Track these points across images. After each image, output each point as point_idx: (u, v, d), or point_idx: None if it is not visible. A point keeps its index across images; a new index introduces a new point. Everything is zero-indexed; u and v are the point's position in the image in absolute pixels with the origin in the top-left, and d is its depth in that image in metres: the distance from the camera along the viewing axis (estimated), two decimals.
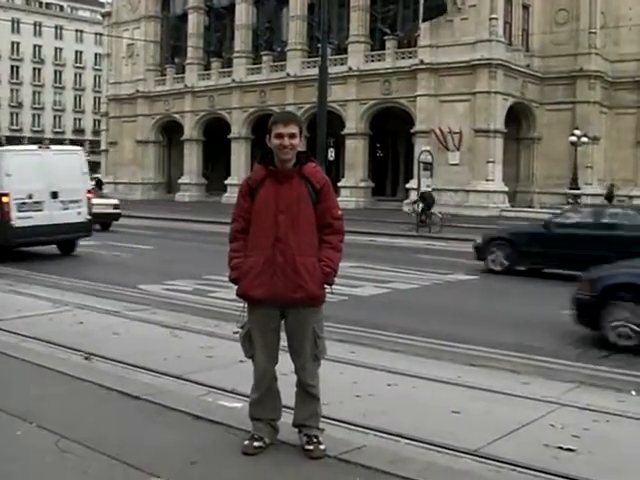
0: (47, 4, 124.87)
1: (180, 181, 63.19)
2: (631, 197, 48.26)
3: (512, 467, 5.33)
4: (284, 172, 5.17)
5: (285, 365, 5.32)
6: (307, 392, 5.23)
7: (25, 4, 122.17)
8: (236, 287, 5.26)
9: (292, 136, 5.13)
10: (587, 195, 46.35)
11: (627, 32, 50.73)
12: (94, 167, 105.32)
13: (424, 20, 47.61)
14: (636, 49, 51.20)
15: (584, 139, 44.64)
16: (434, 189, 35.29)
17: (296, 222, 5.11)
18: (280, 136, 5.12)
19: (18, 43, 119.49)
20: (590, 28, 48.73)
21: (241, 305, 5.33)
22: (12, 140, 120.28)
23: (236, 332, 5.51)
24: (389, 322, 11.35)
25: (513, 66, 47.37)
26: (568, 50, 49.27)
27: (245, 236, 5.25)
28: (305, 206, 5.14)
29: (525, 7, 50.34)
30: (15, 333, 9.67)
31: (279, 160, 5.17)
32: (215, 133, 61.07)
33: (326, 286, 5.21)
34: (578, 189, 43.46)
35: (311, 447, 5.14)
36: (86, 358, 8.36)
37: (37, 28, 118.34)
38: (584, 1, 48.81)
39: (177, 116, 63.66)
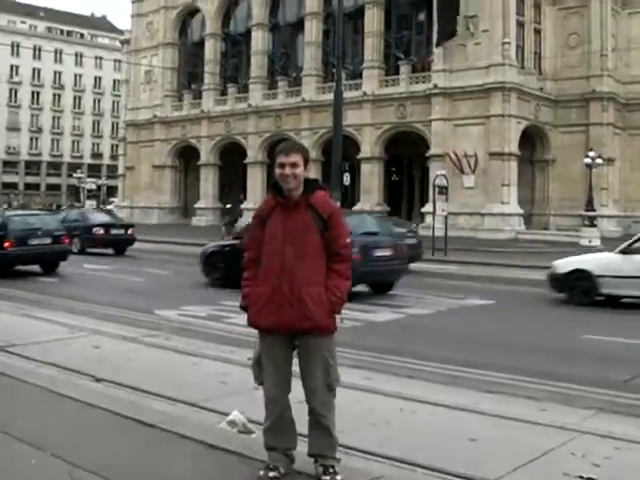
0: (68, 32, 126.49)
1: (196, 205, 63.40)
2: None
3: None
4: (291, 202, 5.18)
5: (302, 392, 5.25)
6: (319, 422, 5.18)
7: (47, 32, 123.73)
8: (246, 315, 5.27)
9: (294, 165, 5.13)
10: (603, 217, 46.14)
11: (638, 54, 50.66)
12: (111, 191, 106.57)
13: (438, 46, 47.81)
14: None
15: (598, 161, 44.47)
16: (450, 213, 35.19)
17: (303, 252, 5.11)
18: (282, 166, 5.15)
19: (39, 69, 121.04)
20: (602, 51, 48.82)
21: (256, 332, 5.31)
22: (31, 164, 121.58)
23: (250, 358, 5.50)
24: (404, 348, 11.26)
25: (526, 89, 47.41)
26: (580, 73, 49.32)
27: (257, 265, 5.26)
28: (312, 236, 5.14)
29: (537, 31, 50.46)
30: (30, 359, 9.65)
31: (285, 189, 5.18)
32: (231, 158, 61.32)
33: (336, 315, 5.17)
34: (594, 211, 43.25)
35: (327, 478, 5.07)
36: (97, 380, 8.35)
37: (58, 55, 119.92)
38: (595, 24, 48.88)
39: (194, 141, 64.03)
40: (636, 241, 17.56)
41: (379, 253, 18.27)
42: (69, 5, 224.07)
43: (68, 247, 24.33)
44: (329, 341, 5.22)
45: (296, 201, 5.18)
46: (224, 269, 20.03)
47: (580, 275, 17.38)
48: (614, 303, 16.75)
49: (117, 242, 32.37)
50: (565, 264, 18.13)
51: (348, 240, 5.34)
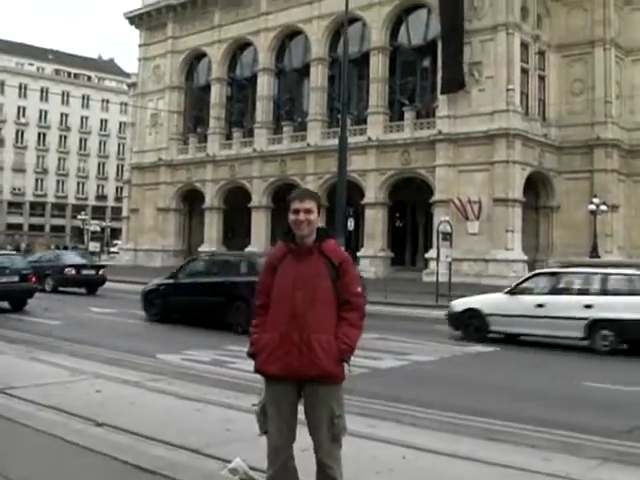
0: (75, 74, 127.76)
1: (200, 249, 63.35)
2: None
3: None
4: (303, 248, 5.20)
5: (307, 440, 5.23)
6: (326, 473, 5.13)
7: (55, 74, 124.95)
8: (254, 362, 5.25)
9: (308, 211, 5.16)
10: None
11: None
12: (115, 234, 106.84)
13: (442, 93, 48.19)
14: None
15: (603, 207, 44.57)
16: (454, 259, 35.18)
17: (314, 299, 5.10)
18: (296, 212, 5.16)
19: (46, 111, 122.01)
20: (606, 97, 49.11)
21: (262, 378, 5.29)
22: (36, 205, 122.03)
23: (255, 405, 5.47)
24: (408, 395, 11.21)
25: (530, 136, 47.64)
26: (584, 119, 49.57)
27: (266, 312, 5.25)
28: (323, 283, 5.14)
29: (541, 78, 50.83)
30: (31, 401, 9.54)
31: (297, 236, 5.20)
32: (236, 201, 61.48)
33: (344, 363, 5.15)
34: (598, 257, 43.18)
35: None
36: (98, 425, 8.29)
37: (65, 97, 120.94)
38: (599, 71, 49.24)
39: (198, 184, 64.26)
40: (521, 283, 19.41)
41: None
42: (77, 48, 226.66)
43: (34, 285, 25.83)
44: (337, 390, 5.19)
45: (308, 248, 5.20)
46: (161, 305, 21.74)
47: (472, 314, 19.08)
48: (612, 352, 16.81)
49: (88, 282, 34.75)
50: (460, 304, 19.89)
51: (359, 289, 5.33)
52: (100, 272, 35.67)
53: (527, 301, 18.32)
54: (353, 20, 49.79)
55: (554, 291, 18.45)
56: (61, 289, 33.56)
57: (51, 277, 33.54)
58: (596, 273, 18.34)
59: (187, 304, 21.56)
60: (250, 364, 5.34)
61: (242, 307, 18.69)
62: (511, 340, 18.75)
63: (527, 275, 21.37)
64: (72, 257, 38.01)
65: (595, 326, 17.13)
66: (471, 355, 16.61)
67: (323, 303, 5.12)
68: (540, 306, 17.94)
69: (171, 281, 22.40)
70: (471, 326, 19.00)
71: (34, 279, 25.73)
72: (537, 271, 21.86)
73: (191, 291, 21.59)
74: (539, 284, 19.10)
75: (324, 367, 5.03)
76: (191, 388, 11.10)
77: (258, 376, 5.35)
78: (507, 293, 18.99)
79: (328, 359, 5.04)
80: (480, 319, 18.76)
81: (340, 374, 5.15)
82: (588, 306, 17.36)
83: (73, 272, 34.25)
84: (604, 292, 17.65)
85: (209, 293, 20.80)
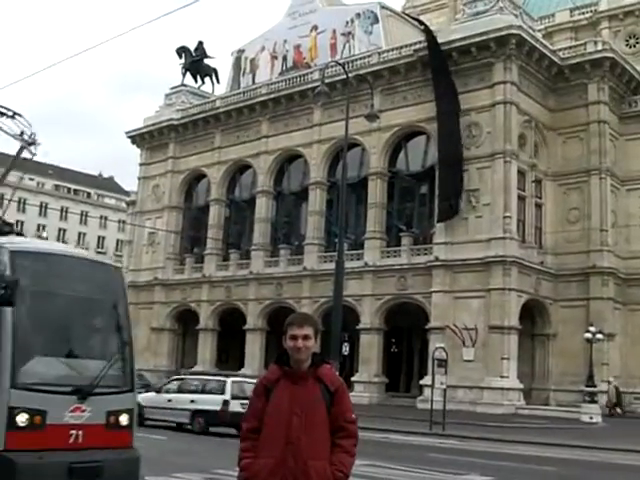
0: (75, 190, 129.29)
1: (192, 370, 62.71)
2: None
3: None
4: (299, 373, 5.15)
5: None
6: None
7: (54, 189, 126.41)
8: None
9: (306, 337, 5.13)
10: (604, 392, 45.58)
11: (637, 230, 51.44)
12: None
13: (439, 221, 48.68)
14: None
15: (599, 336, 44.39)
16: (448, 385, 34.79)
17: (309, 424, 5.03)
18: (294, 338, 5.13)
19: (44, 225, 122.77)
20: (602, 226, 49.63)
21: None
22: None
23: None
24: None
25: (527, 263, 47.84)
26: (580, 247, 49.92)
27: (256, 436, 5.15)
28: (319, 408, 5.08)
29: (538, 206, 51.46)
30: None
31: (294, 361, 5.17)
32: (230, 323, 61.24)
33: None
34: (595, 386, 42.80)
35: None
36: None
37: (64, 213, 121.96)
38: (595, 200, 49.93)
39: (193, 305, 64.03)
40: (164, 384, 29.37)
41: None
42: (78, 165, 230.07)
43: None
44: None
45: (304, 372, 5.16)
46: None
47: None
48: None
49: None
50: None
51: (354, 416, 5.27)
52: None
53: (164, 397, 27.44)
54: (353, 145, 50.47)
55: (179, 390, 27.88)
56: None
57: None
58: (198, 379, 28.88)
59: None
60: None
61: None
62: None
63: (170, 379, 31.32)
64: None
65: (194, 414, 26.18)
66: None
67: (318, 428, 5.06)
68: (169, 401, 27.08)
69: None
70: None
71: None
72: (173, 377, 32.00)
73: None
74: (172, 386, 28.62)
75: None
76: None
77: None
78: (155, 392, 28.18)
79: None
80: (140, 409, 22.75)
81: None
82: (192, 401, 26.49)
83: None
84: (202, 392, 27.00)
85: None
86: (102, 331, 11.02)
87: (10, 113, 11.90)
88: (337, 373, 5.41)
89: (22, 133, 11.96)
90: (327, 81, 42.37)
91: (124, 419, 10.04)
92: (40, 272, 10.01)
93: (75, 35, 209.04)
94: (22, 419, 8.87)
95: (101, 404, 9.71)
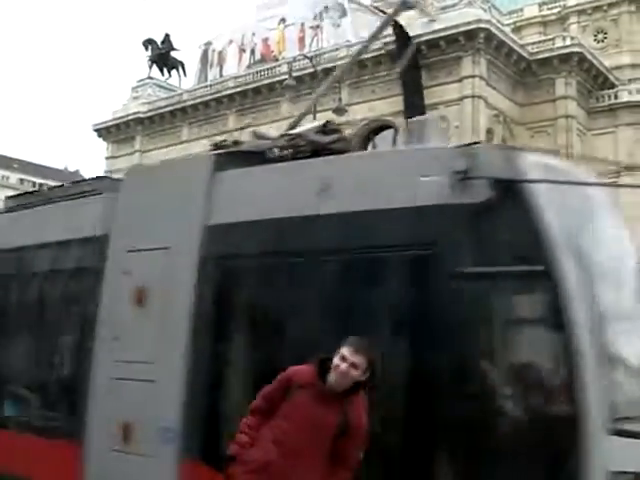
0: (40, 184, 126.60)
1: None
2: None
3: None
4: (328, 393, 4.67)
5: None
6: None
7: (19, 183, 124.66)
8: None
9: (353, 366, 4.63)
10: None
11: None
12: None
13: None
14: None
15: None
16: None
17: (310, 443, 4.62)
18: (343, 359, 4.65)
19: None
20: None
21: None
22: None
23: None
24: None
25: None
26: None
27: (261, 418, 4.77)
28: (326, 433, 4.63)
29: None
30: None
31: (332, 377, 4.69)
32: None
33: None
34: None
35: None
36: None
37: None
38: None
39: None
40: None
41: None
42: (43, 158, 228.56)
43: None
44: None
45: (333, 395, 4.66)
46: None
47: None
48: None
49: None
50: None
51: (361, 455, 4.80)
52: None
53: None
54: None
55: None
56: None
57: None
58: None
59: None
60: None
61: None
62: None
63: None
64: None
65: None
66: None
67: (317, 453, 4.64)
68: None
69: None
70: None
71: None
72: None
73: None
74: None
75: None
76: None
77: None
78: None
79: None
80: None
81: None
82: None
83: None
84: None
85: None
86: None
87: None
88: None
89: None
90: (295, 74, 42.06)
91: None
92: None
93: (47, 28, 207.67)
94: None
95: None
